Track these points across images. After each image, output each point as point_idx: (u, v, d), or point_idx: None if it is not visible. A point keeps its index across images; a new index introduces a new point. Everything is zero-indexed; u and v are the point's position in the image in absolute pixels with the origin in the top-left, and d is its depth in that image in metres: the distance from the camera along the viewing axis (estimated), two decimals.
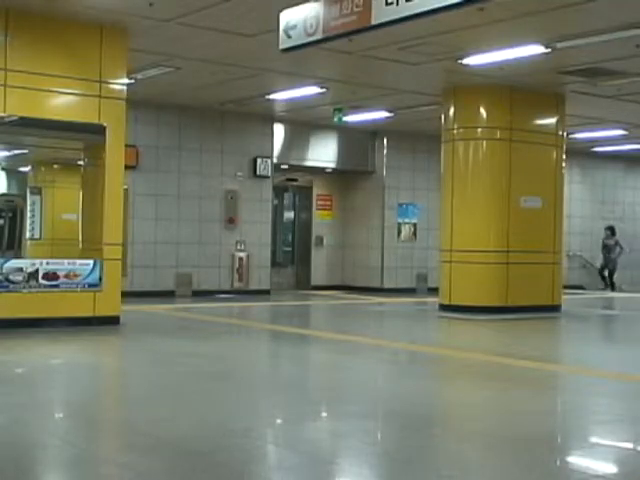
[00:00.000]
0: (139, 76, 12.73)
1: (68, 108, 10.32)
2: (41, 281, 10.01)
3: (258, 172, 16.91)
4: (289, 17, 8.56)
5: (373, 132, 18.63)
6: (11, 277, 9.84)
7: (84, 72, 10.29)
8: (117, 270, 10.54)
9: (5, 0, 9.66)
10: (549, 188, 13.95)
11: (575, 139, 17.93)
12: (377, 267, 18.73)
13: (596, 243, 21.56)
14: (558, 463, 4.76)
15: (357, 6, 7.83)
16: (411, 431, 5.34)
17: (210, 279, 16.39)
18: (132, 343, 9.62)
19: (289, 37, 8.57)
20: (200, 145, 16.36)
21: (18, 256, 11.78)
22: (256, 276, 16.92)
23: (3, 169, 12.74)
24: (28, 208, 12.41)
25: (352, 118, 16.34)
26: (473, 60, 11.71)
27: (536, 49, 10.97)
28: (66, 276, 10.16)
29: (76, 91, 10.31)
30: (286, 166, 18.14)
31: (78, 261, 10.35)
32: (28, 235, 12.34)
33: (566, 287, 16.31)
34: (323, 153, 18.32)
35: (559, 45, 10.74)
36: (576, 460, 4.89)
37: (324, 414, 6.11)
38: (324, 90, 14.01)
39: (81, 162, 11.47)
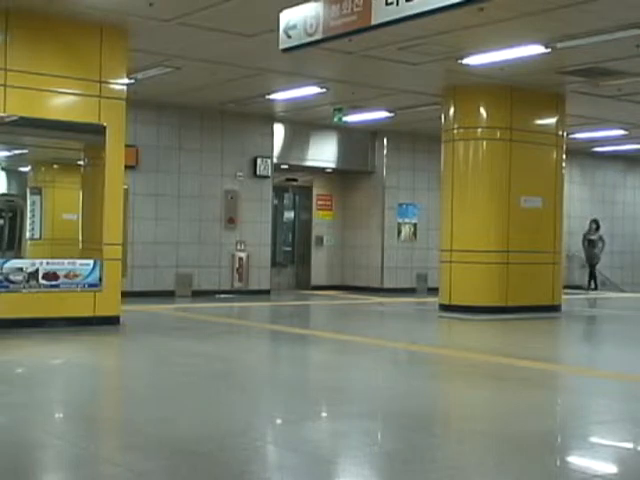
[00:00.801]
0: (139, 76, 12.72)
1: (68, 108, 10.32)
2: (41, 281, 10.01)
3: (258, 172, 16.91)
4: (289, 17, 8.56)
5: (373, 132, 18.63)
6: (11, 277, 9.84)
7: (84, 72, 10.29)
8: (117, 270, 10.54)
9: (5, 0, 9.67)
10: (549, 188, 13.95)
11: (575, 139, 17.93)
12: (377, 267, 18.73)
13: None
14: (558, 463, 4.76)
15: (357, 6, 7.82)
16: (411, 431, 5.34)
17: (210, 279, 16.39)
18: (132, 343, 9.63)
19: (289, 37, 8.57)
20: (200, 145, 16.36)
21: (18, 256, 11.76)
22: (256, 276, 16.92)
23: (3, 169, 12.73)
24: (28, 208, 12.40)
25: (352, 118, 16.33)
26: (473, 60, 11.71)
27: (536, 49, 10.97)
28: (66, 276, 10.16)
29: (76, 91, 10.30)
30: (286, 166, 18.14)
31: (78, 261, 10.35)
32: (28, 235, 12.33)
33: (566, 287, 16.33)
34: (323, 153, 18.32)
35: (559, 45, 10.74)
36: (576, 460, 4.89)
37: (324, 414, 6.11)
38: (324, 90, 14.01)
39: (81, 162, 11.46)
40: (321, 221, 19.35)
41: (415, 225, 19.09)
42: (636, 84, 12.99)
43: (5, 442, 4.86)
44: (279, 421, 5.80)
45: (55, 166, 12.89)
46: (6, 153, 12.36)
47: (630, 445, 5.29)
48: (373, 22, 7.73)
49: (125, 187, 11.45)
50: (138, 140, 15.27)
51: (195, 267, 16.21)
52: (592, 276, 20.59)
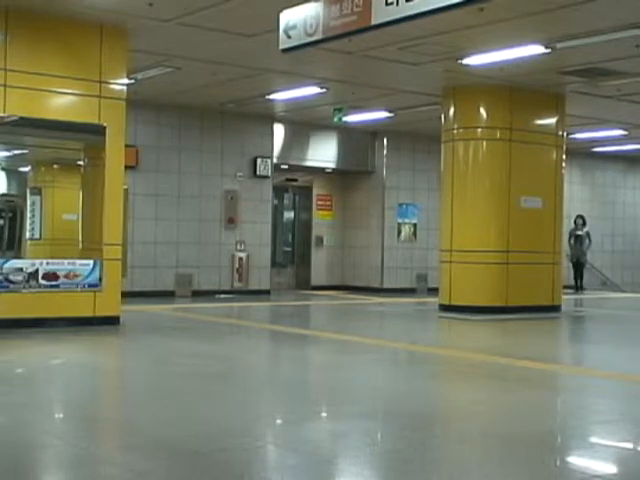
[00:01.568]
0: (139, 76, 12.72)
1: (68, 108, 10.32)
2: (41, 281, 10.01)
3: (258, 172, 16.91)
4: (289, 17, 8.56)
5: (373, 132, 18.62)
6: (11, 277, 9.84)
7: (84, 72, 10.29)
8: (117, 270, 10.53)
9: (5, 0, 9.66)
10: (549, 188, 13.95)
11: (575, 139, 17.93)
12: (377, 267, 18.73)
13: (598, 244, 21.52)
14: (558, 463, 4.76)
15: (357, 6, 7.82)
16: (411, 431, 5.33)
17: (210, 279, 16.39)
18: (132, 343, 9.62)
19: (289, 37, 8.56)
20: (200, 145, 16.36)
21: (18, 256, 11.76)
22: (256, 276, 16.92)
23: (3, 169, 12.72)
24: (28, 208, 12.40)
25: (352, 118, 16.33)
26: (473, 60, 11.71)
27: (536, 49, 10.97)
28: (66, 276, 10.16)
29: (76, 91, 10.30)
30: (286, 166, 18.14)
31: (78, 261, 10.35)
32: (28, 235, 12.33)
33: (566, 287, 16.32)
34: (323, 153, 18.32)
35: (559, 45, 10.74)
36: (576, 460, 4.89)
37: (324, 414, 6.11)
38: (324, 90, 14.01)
39: (81, 162, 11.47)
40: (321, 221, 19.35)
41: (415, 225, 19.09)
42: (636, 84, 12.99)
43: (5, 442, 4.86)
44: (279, 421, 5.80)
45: (55, 166, 12.89)
46: (6, 153, 12.35)
47: (630, 445, 5.28)
48: (373, 22, 7.73)
49: (125, 187, 11.44)
50: (138, 140, 15.27)
51: (195, 267, 16.21)
52: (579, 275, 19.13)
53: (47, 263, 10.13)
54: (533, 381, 7.43)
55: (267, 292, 16.98)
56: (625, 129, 17.65)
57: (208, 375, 7.35)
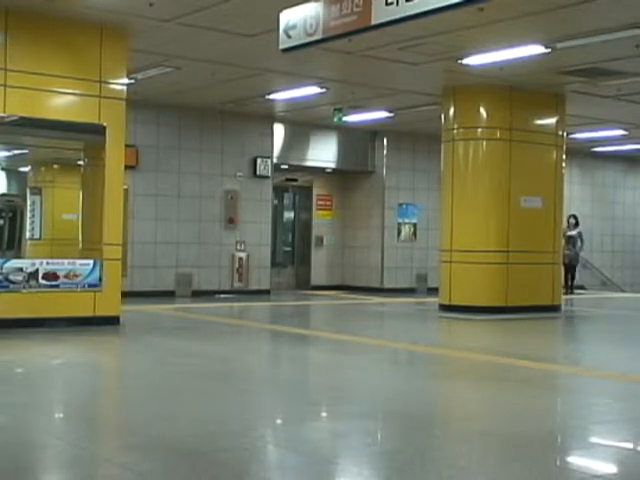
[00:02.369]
0: (139, 76, 12.72)
1: (68, 108, 10.32)
2: (41, 281, 10.01)
3: (258, 172, 16.91)
4: (289, 17, 8.56)
5: (373, 132, 18.62)
6: (11, 277, 9.84)
7: (84, 72, 10.29)
8: (117, 270, 10.54)
9: (5, 0, 9.66)
10: (549, 188, 13.95)
11: (575, 139, 17.93)
12: (377, 267, 18.73)
13: (598, 244, 21.53)
14: (558, 463, 4.76)
15: (357, 6, 7.82)
16: (411, 431, 5.34)
17: (210, 279, 16.39)
18: (132, 343, 9.62)
19: (289, 37, 8.56)
20: (200, 145, 16.36)
21: (18, 256, 11.76)
22: (256, 276, 16.92)
23: (3, 169, 12.72)
24: (28, 208, 12.39)
25: (352, 118, 16.33)
26: (473, 60, 11.71)
27: (536, 49, 10.97)
28: (66, 276, 10.16)
29: (76, 91, 10.30)
30: (286, 166, 18.13)
31: (78, 261, 10.35)
32: (28, 235, 12.32)
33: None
34: (323, 153, 18.32)
35: (559, 45, 10.74)
36: (576, 460, 4.89)
37: (324, 414, 6.11)
38: (324, 90, 14.01)
39: (81, 162, 11.46)
40: (321, 221, 19.35)
41: (415, 225, 19.09)
42: (636, 84, 12.99)
43: (5, 442, 4.86)
44: (279, 421, 5.80)
45: (55, 166, 12.89)
46: (6, 153, 12.35)
47: (630, 445, 5.29)
48: (373, 22, 7.73)
49: (125, 187, 11.45)
50: (138, 140, 15.27)
51: (195, 267, 16.21)
52: (570, 277, 18.12)
53: (47, 263, 10.13)
54: (533, 381, 7.43)
55: (267, 292, 16.98)
56: (625, 129, 17.65)
57: (208, 375, 7.35)
